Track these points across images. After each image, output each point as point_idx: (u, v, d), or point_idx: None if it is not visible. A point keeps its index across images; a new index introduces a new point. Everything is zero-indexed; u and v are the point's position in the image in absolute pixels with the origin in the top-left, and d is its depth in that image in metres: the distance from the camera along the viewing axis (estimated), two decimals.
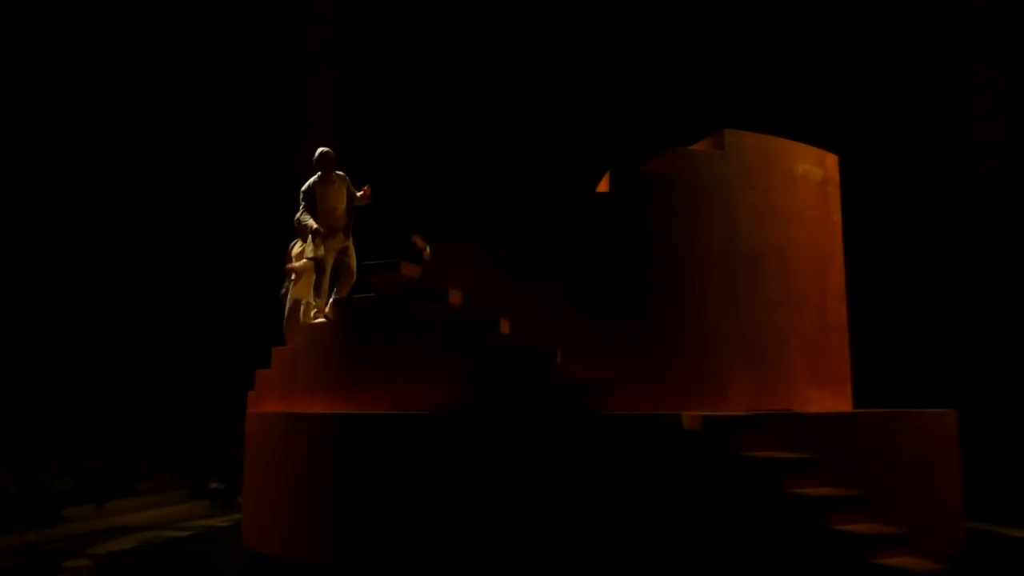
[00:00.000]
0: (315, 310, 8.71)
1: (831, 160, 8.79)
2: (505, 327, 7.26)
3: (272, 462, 7.92)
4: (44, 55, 17.18)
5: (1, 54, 15.10)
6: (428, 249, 8.89)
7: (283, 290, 9.53)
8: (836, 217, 8.72)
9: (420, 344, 7.40)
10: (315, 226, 8.49)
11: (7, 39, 15.30)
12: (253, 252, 17.37)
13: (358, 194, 8.87)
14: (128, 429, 13.76)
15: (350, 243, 8.88)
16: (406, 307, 7.53)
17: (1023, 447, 12.59)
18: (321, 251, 8.51)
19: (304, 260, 8.90)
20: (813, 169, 8.43)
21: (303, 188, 8.75)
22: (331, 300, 8.62)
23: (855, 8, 19.35)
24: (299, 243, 9.24)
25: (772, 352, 7.74)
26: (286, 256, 9.52)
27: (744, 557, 5.80)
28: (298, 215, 8.81)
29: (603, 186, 8.22)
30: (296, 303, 9.22)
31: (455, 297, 7.46)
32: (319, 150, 8.80)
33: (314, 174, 8.73)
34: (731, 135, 7.92)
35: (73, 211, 17.13)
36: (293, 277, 9.31)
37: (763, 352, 7.69)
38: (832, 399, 8.15)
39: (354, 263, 8.85)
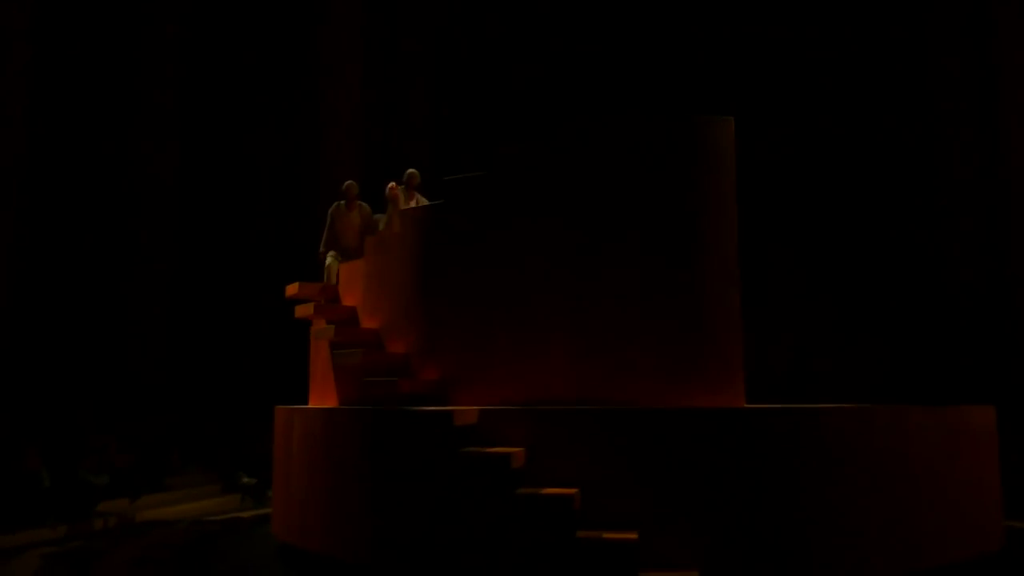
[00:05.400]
0: None
1: (720, 127, 7.60)
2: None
3: (296, 455, 8.31)
4: (66, 47, 17.27)
5: (25, 47, 15.25)
6: (417, 199, 9.59)
7: None
8: (723, 190, 7.53)
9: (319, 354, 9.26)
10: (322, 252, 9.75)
11: (31, 32, 15.47)
12: (280, 247, 17.47)
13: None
14: (159, 425, 13.92)
15: None
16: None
17: None
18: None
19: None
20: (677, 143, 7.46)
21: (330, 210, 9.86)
22: None
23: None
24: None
25: (613, 345, 7.13)
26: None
27: (477, 552, 6.27)
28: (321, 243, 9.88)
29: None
30: None
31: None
32: (346, 184, 9.88)
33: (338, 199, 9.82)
34: (547, 136, 7.90)
35: (102, 215, 17.24)
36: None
37: (603, 345, 7.14)
38: (706, 393, 7.15)
39: None
